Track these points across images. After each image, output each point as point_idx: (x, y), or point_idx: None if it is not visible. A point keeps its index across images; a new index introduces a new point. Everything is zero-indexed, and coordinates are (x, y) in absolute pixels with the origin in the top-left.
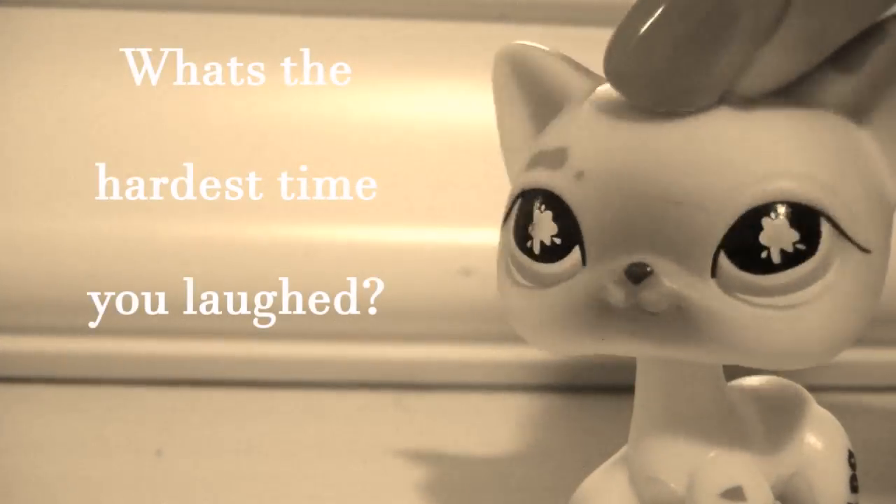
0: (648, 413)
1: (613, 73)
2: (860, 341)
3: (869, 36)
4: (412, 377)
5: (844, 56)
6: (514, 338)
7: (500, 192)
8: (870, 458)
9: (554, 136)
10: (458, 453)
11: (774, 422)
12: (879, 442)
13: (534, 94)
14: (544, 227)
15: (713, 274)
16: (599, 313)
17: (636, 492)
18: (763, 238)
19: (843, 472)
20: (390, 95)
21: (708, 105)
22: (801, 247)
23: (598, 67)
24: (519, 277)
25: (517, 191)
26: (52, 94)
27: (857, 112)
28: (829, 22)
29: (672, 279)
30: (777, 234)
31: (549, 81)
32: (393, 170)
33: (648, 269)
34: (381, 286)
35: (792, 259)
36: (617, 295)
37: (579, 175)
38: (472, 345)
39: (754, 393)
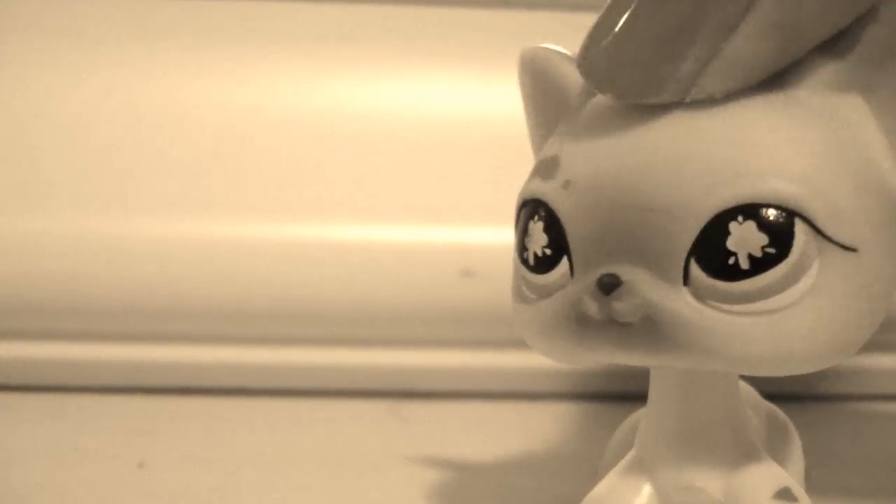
0: (665, 421)
1: (583, 65)
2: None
3: (856, 20)
4: (410, 384)
5: (832, 42)
6: (517, 343)
7: (503, 190)
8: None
9: (551, 144)
10: (459, 464)
11: (772, 437)
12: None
13: (551, 99)
14: (536, 238)
15: (685, 282)
16: (580, 325)
17: (663, 501)
18: (730, 244)
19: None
20: (388, 88)
21: (683, 103)
22: (770, 250)
23: None
24: (523, 289)
25: (519, 201)
26: (34, 90)
27: (853, 93)
28: (803, 14)
29: (645, 289)
30: (744, 238)
31: (563, 85)
32: (390, 165)
33: (618, 279)
34: (377, 288)
35: (761, 264)
36: (591, 306)
37: (566, 184)
38: (473, 350)
39: (756, 401)
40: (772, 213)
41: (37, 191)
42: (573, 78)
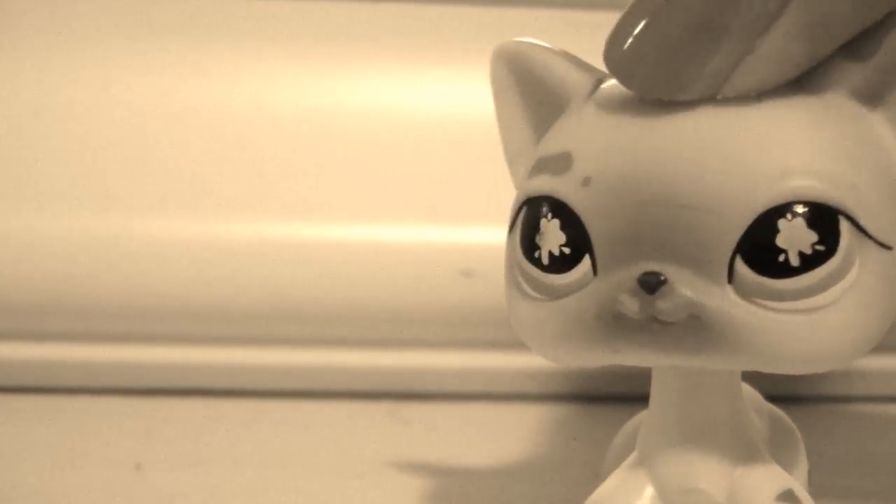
0: (666, 422)
1: (611, 59)
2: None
3: (881, 22)
4: (409, 385)
5: (855, 43)
6: (517, 344)
7: (504, 189)
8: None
9: (557, 140)
10: (458, 466)
11: (775, 439)
12: None
13: (535, 95)
14: (552, 237)
15: (729, 280)
16: (613, 325)
17: (665, 503)
18: (780, 241)
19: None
20: (388, 87)
21: (713, 100)
22: (820, 248)
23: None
24: (528, 289)
25: (522, 198)
26: (30, 88)
27: (872, 100)
28: (834, 11)
29: (687, 287)
30: (794, 235)
31: (550, 80)
32: (389, 165)
33: (662, 278)
34: (376, 288)
35: (811, 261)
36: (631, 306)
37: (586, 181)
38: (474, 351)
39: (760, 403)
40: (819, 211)
41: (29, 190)
42: (561, 70)
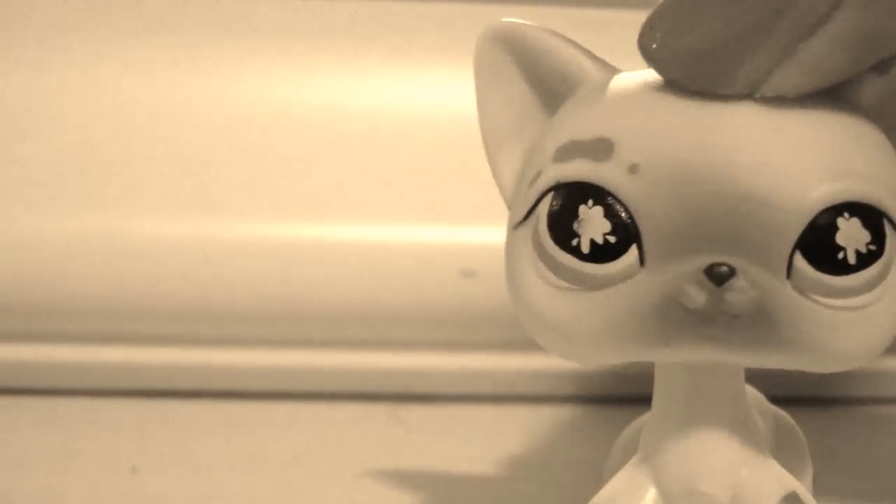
0: (670, 424)
1: (648, 47)
2: None
3: None
4: (409, 387)
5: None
6: (518, 345)
7: None
8: None
9: (587, 125)
10: (459, 469)
11: (779, 441)
12: None
13: (532, 78)
14: (595, 225)
15: (788, 275)
16: (670, 317)
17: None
18: (840, 238)
19: None
20: (388, 86)
21: (751, 97)
22: (872, 247)
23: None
24: (556, 279)
25: (549, 184)
26: (26, 87)
27: (880, 115)
28: (880, 26)
29: (752, 280)
30: (853, 234)
31: (551, 64)
32: (389, 164)
33: (731, 269)
34: (375, 289)
35: (865, 260)
36: (697, 297)
37: (633, 168)
38: (474, 352)
39: (763, 405)
40: (870, 212)
41: (26, 190)
42: (564, 53)
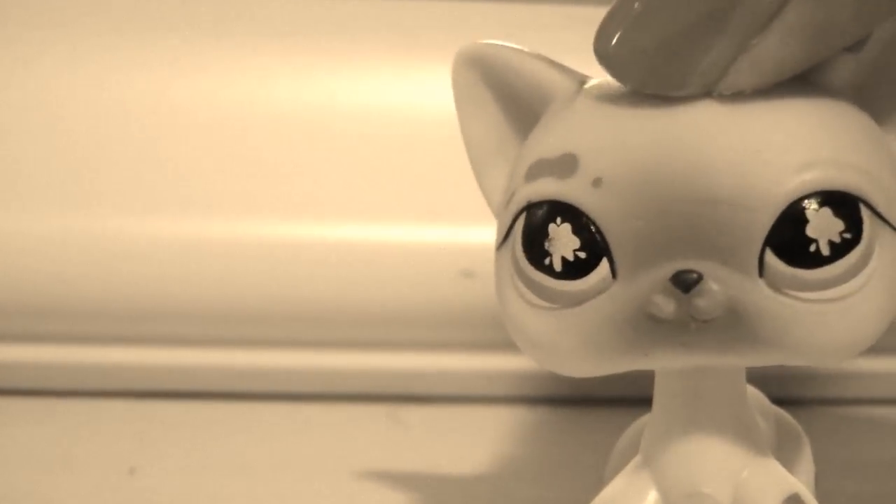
0: (670, 425)
1: (603, 53)
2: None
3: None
4: (408, 388)
5: (856, 43)
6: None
7: None
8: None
9: (553, 142)
10: (458, 470)
11: (781, 442)
12: None
13: (505, 98)
14: (565, 242)
15: (760, 273)
16: (644, 327)
17: None
18: (810, 231)
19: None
20: (388, 86)
21: (710, 96)
22: (847, 236)
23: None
24: (536, 299)
25: (521, 205)
26: (20, 84)
27: (861, 91)
28: (833, 17)
29: (722, 283)
30: (823, 224)
31: (520, 82)
32: (389, 164)
33: (697, 275)
34: (375, 289)
35: (840, 249)
36: (666, 307)
37: (597, 182)
38: (473, 353)
39: (765, 406)
40: (843, 199)
41: (21, 189)
42: (533, 71)
